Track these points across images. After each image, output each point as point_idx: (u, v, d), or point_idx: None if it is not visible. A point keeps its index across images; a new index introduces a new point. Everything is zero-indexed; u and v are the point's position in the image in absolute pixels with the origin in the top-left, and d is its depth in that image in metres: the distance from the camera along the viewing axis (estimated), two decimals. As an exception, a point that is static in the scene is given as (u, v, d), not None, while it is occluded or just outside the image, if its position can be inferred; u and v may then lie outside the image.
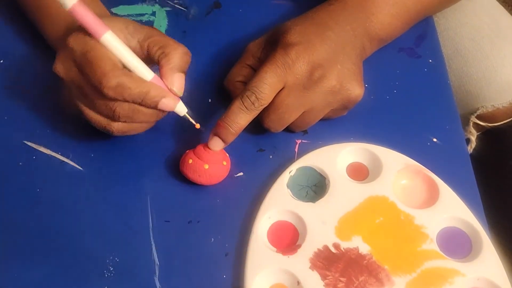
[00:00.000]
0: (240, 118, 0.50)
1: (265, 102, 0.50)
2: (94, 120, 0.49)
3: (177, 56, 0.48)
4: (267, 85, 0.50)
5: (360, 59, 0.55)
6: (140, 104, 0.47)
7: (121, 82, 0.45)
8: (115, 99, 0.46)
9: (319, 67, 0.51)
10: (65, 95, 0.50)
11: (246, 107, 0.50)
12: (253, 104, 0.50)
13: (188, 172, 0.51)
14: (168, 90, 0.48)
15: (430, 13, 0.64)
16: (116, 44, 0.47)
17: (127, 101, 0.46)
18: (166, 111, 0.49)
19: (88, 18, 0.45)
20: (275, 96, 0.51)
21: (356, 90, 0.53)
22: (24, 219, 0.51)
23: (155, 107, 0.47)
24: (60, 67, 0.48)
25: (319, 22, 0.55)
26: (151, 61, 0.49)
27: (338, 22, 0.55)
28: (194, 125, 0.51)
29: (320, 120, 0.55)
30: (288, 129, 0.55)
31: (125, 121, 0.48)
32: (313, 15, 0.55)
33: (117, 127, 0.49)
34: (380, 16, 0.56)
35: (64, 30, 0.53)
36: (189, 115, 0.50)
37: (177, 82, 0.48)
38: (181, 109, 0.50)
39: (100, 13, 0.53)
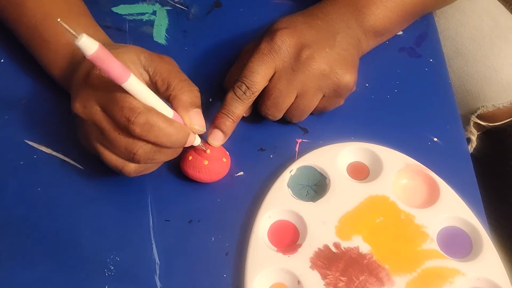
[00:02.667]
0: (235, 107, 0.52)
1: (256, 89, 0.51)
2: (110, 161, 0.47)
3: (187, 95, 0.47)
4: (255, 73, 0.51)
5: (353, 48, 0.55)
6: (164, 144, 0.46)
7: (150, 120, 0.44)
8: (139, 138, 0.45)
9: (306, 47, 0.52)
10: (82, 133, 0.49)
11: (238, 97, 0.52)
12: (244, 93, 0.51)
13: (188, 169, 0.51)
14: (188, 128, 0.48)
15: (428, 8, 0.64)
16: (138, 88, 0.44)
17: (151, 142, 0.45)
18: (181, 150, 0.50)
19: (111, 64, 0.42)
20: (269, 83, 0.52)
21: (346, 76, 0.52)
22: (25, 218, 0.51)
23: (179, 146, 0.48)
24: (80, 107, 0.47)
25: (308, 14, 0.56)
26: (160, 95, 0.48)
27: (328, 14, 0.55)
28: (205, 151, 0.51)
29: (320, 116, 0.55)
30: (287, 121, 0.55)
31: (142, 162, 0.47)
32: (304, 11, 0.56)
33: (134, 168, 0.47)
34: (372, 8, 0.56)
35: (67, 65, 0.53)
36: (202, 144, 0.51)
37: (196, 119, 0.48)
38: (197, 141, 0.50)
39: (103, 40, 0.54)
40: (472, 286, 0.47)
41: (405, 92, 0.59)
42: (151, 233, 0.50)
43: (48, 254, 0.49)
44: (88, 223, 0.51)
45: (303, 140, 0.56)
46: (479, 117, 0.72)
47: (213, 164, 0.51)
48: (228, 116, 0.52)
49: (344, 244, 0.49)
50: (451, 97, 0.59)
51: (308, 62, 0.51)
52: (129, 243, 0.50)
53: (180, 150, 0.49)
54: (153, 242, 0.49)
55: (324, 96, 0.53)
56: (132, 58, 0.47)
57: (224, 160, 0.52)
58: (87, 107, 0.46)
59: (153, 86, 0.48)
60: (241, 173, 0.54)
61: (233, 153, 0.53)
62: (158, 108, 0.46)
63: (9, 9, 0.57)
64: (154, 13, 0.64)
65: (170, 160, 0.53)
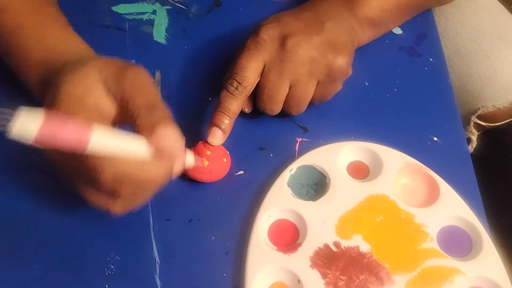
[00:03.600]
0: (230, 104, 0.52)
1: (247, 83, 0.52)
2: (95, 204, 0.44)
3: (149, 118, 0.41)
4: (244, 68, 0.52)
5: (345, 34, 0.55)
6: (147, 188, 0.43)
7: (118, 174, 0.40)
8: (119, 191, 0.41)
9: (291, 36, 0.52)
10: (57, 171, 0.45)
11: (231, 93, 0.52)
12: (236, 88, 0.52)
13: (188, 170, 0.51)
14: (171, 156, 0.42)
15: (426, 2, 0.64)
16: (102, 146, 0.38)
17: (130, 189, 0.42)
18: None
19: (62, 137, 0.36)
20: (260, 77, 0.53)
21: (338, 58, 0.52)
22: (25, 217, 0.51)
23: (167, 181, 0.43)
24: (49, 153, 0.43)
25: (297, 8, 0.56)
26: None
27: (319, 6, 0.56)
28: (202, 162, 0.51)
29: (320, 115, 0.54)
30: (288, 116, 0.55)
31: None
32: (295, 7, 0.57)
33: (119, 207, 0.44)
34: None
35: (41, 80, 0.48)
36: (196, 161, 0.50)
37: (166, 137, 0.41)
38: (189, 161, 0.48)
39: (76, 49, 0.50)
40: (472, 285, 0.47)
41: (405, 92, 0.59)
42: (151, 232, 0.50)
43: (48, 253, 0.49)
44: (88, 222, 0.51)
45: (303, 139, 0.56)
46: (479, 117, 0.72)
47: (214, 164, 0.51)
48: (224, 113, 0.52)
49: (344, 243, 0.49)
50: (451, 96, 0.59)
51: (295, 50, 0.51)
52: (130, 242, 0.49)
53: (170, 174, 0.43)
54: (153, 241, 0.49)
55: (319, 82, 0.53)
56: (95, 82, 0.42)
57: (225, 160, 0.52)
58: (57, 160, 0.43)
59: (117, 107, 0.42)
60: (241, 172, 0.54)
61: (233, 152, 0.53)
62: (134, 152, 0.40)
63: None
64: (154, 12, 0.64)
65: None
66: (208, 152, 0.51)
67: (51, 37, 0.51)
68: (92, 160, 0.39)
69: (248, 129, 0.56)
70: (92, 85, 0.42)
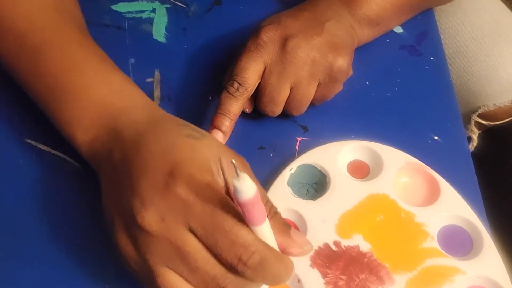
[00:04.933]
0: (230, 105, 0.52)
1: (248, 85, 0.51)
2: (165, 286, 0.37)
3: (278, 217, 0.40)
4: (245, 69, 0.51)
5: (345, 33, 0.55)
6: (268, 284, 0.38)
7: (264, 259, 0.36)
8: (244, 277, 0.36)
9: (291, 37, 0.52)
10: (132, 248, 0.38)
11: (232, 94, 0.52)
12: (237, 90, 0.51)
13: None
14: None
15: (428, 2, 0.64)
16: (265, 230, 0.37)
17: (258, 282, 0.37)
18: None
19: (257, 209, 0.35)
20: (261, 79, 0.52)
21: (338, 59, 0.52)
22: (24, 217, 0.50)
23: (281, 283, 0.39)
24: (156, 220, 0.36)
25: (296, 9, 0.56)
26: None
27: (317, 6, 0.55)
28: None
29: (320, 114, 0.54)
30: (288, 116, 0.55)
31: None
32: (293, 7, 0.57)
33: None
34: None
35: (97, 129, 0.43)
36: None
37: (302, 239, 0.41)
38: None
39: (142, 99, 0.47)
40: (473, 284, 0.47)
41: (406, 90, 0.59)
42: (151, 231, 0.50)
43: (47, 254, 0.49)
44: (88, 221, 0.50)
45: (303, 138, 0.56)
46: (480, 116, 0.72)
47: None
48: (224, 115, 0.52)
49: (344, 243, 0.48)
50: (452, 95, 0.59)
51: (295, 51, 0.51)
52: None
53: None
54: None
55: (320, 83, 0.53)
56: (214, 158, 0.39)
57: None
58: (168, 223, 0.36)
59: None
60: (241, 171, 0.53)
61: (233, 151, 0.53)
62: (270, 241, 0.38)
63: (22, 57, 0.48)
64: (153, 11, 0.64)
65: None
66: None
67: (115, 85, 0.46)
68: (244, 234, 0.35)
69: (248, 128, 0.56)
70: (212, 162, 0.38)
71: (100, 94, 0.45)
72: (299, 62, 0.52)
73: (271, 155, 0.55)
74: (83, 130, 0.45)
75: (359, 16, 0.56)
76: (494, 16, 0.73)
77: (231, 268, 0.36)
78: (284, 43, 0.52)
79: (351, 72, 0.55)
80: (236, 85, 0.51)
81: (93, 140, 0.44)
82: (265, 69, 0.52)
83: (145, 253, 0.37)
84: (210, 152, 0.39)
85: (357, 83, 0.59)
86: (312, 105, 0.55)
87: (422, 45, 0.63)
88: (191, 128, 0.42)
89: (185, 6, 0.65)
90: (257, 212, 0.35)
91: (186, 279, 0.37)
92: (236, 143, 0.54)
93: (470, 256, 0.48)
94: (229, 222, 0.35)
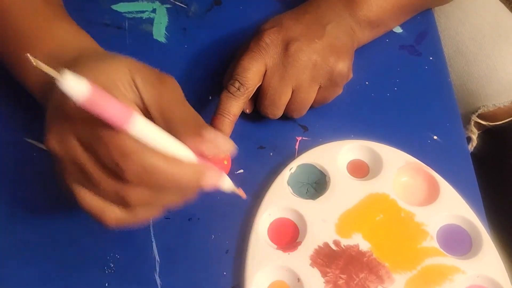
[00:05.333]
0: (230, 106, 0.51)
1: (249, 85, 0.51)
2: (88, 206, 0.39)
3: (189, 127, 0.38)
4: (247, 69, 0.51)
5: (345, 36, 0.55)
6: (168, 188, 0.38)
7: (148, 164, 0.35)
8: (134, 183, 0.36)
9: (294, 41, 0.52)
10: (58, 175, 0.40)
11: (232, 94, 0.51)
12: (238, 89, 0.51)
13: None
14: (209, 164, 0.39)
15: (427, 3, 0.64)
16: (144, 131, 0.36)
17: (152, 187, 0.37)
18: (196, 193, 0.41)
19: (108, 109, 0.34)
20: (262, 82, 0.52)
21: (339, 63, 0.52)
22: (24, 216, 0.51)
23: (192, 189, 0.39)
24: (55, 142, 0.38)
25: (297, 10, 0.56)
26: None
27: (318, 7, 0.55)
28: (242, 196, 0.45)
29: (320, 114, 0.54)
30: (288, 118, 0.55)
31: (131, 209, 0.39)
32: (294, 8, 0.57)
33: (114, 215, 0.39)
34: None
35: (46, 80, 0.44)
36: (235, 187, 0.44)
37: (217, 136, 0.38)
38: (228, 185, 0.42)
39: (90, 45, 0.48)
40: (472, 283, 0.47)
41: (405, 90, 0.59)
42: (151, 230, 0.50)
43: (48, 252, 0.49)
44: (88, 220, 0.50)
45: (303, 138, 0.56)
46: (479, 116, 0.72)
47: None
48: (224, 116, 0.51)
49: (344, 242, 0.49)
50: (451, 95, 0.59)
51: (297, 55, 0.51)
52: (129, 240, 0.49)
53: (193, 194, 0.40)
54: (153, 239, 0.49)
55: (320, 87, 0.53)
56: (122, 78, 0.38)
57: (225, 162, 0.52)
58: (64, 142, 0.37)
59: (146, 113, 0.38)
60: (241, 171, 0.54)
61: (233, 151, 0.53)
62: (167, 147, 0.37)
63: None
64: (153, 11, 0.64)
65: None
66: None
67: (61, 32, 0.48)
68: (120, 140, 0.35)
69: (248, 128, 0.56)
70: (119, 81, 0.38)
71: (47, 49, 0.47)
72: (300, 65, 0.52)
73: (271, 154, 0.55)
74: (36, 75, 0.46)
75: (359, 18, 0.56)
76: (494, 16, 0.74)
77: (117, 176, 0.36)
78: (286, 46, 0.52)
79: (351, 76, 0.55)
80: (237, 84, 0.51)
81: (44, 83, 0.45)
82: (266, 71, 0.52)
83: (62, 176, 0.39)
84: (117, 73, 0.38)
85: (357, 83, 0.59)
86: (311, 107, 0.55)
87: (421, 45, 0.63)
88: (110, 55, 0.41)
89: (185, 6, 0.65)
90: (110, 114, 0.34)
91: (94, 193, 0.38)
92: (236, 143, 0.53)
93: (470, 255, 0.48)
94: (107, 132, 0.35)
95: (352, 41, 0.56)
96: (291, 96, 0.53)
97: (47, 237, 0.49)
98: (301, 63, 0.52)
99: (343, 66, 0.53)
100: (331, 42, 0.53)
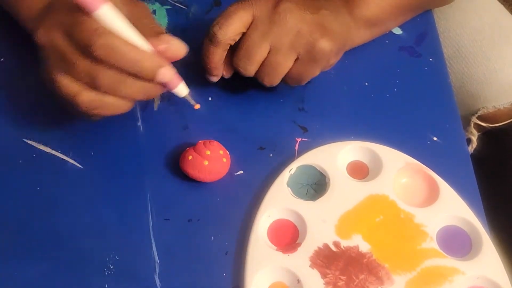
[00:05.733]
0: (209, 52, 0.52)
1: (228, 31, 0.50)
2: (63, 87, 0.44)
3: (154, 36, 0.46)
4: (231, 14, 0.50)
5: (340, 26, 0.53)
6: (131, 72, 0.44)
7: (110, 42, 0.42)
8: (102, 61, 0.43)
9: (286, 1, 0.50)
10: (43, 66, 0.46)
11: (210, 40, 0.51)
12: (215, 34, 0.50)
13: (188, 169, 0.51)
14: (167, 61, 0.45)
15: (425, 3, 0.64)
16: (111, 19, 0.42)
17: (115, 67, 0.43)
18: (156, 91, 0.47)
19: None
20: (243, 34, 0.51)
21: (323, 40, 0.50)
22: (24, 217, 0.51)
23: (151, 77, 0.45)
24: (43, 34, 0.44)
25: None
26: None
27: (319, 1, 0.54)
28: (194, 105, 0.51)
29: (320, 115, 0.54)
30: (261, 83, 0.53)
31: (101, 92, 0.44)
32: None
33: (86, 98, 0.44)
34: None
35: (41, 9, 0.49)
36: (189, 95, 0.50)
37: (174, 42, 0.46)
38: (183, 89, 0.49)
39: None
40: (472, 285, 0.47)
41: (405, 91, 0.59)
42: (151, 232, 0.50)
43: (48, 254, 0.49)
44: (88, 222, 0.51)
45: (303, 139, 0.56)
46: (479, 118, 0.72)
47: (213, 164, 0.51)
48: (205, 64, 0.53)
49: (344, 243, 0.49)
50: (451, 96, 0.59)
51: (285, 15, 0.50)
52: (129, 242, 0.49)
53: (154, 89, 0.47)
54: (152, 241, 0.49)
55: (298, 58, 0.51)
56: None
57: (224, 160, 0.52)
58: (50, 34, 0.44)
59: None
60: (241, 172, 0.54)
61: (232, 152, 0.53)
62: (134, 40, 0.43)
63: None
64: (153, 12, 0.64)
65: (170, 159, 0.54)
66: (208, 152, 0.51)
67: None
68: (92, 23, 0.42)
69: (248, 129, 0.56)
70: None
71: None
72: (285, 26, 0.50)
73: (271, 155, 0.55)
74: (28, 8, 0.52)
75: (356, 16, 0.56)
76: (493, 18, 0.74)
77: (88, 55, 0.42)
78: (277, 3, 0.50)
79: (333, 61, 0.53)
80: (216, 28, 0.50)
81: (37, 16, 0.49)
82: (251, 23, 0.51)
83: (47, 68, 0.45)
84: None
85: (357, 84, 0.59)
86: (285, 83, 0.53)
87: (421, 46, 0.63)
88: None
89: (185, 8, 0.65)
90: None
91: (70, 77, 0.44)
92: (236, 144, 0.54)
93: (469, 257, 0.48)
94: (83, 18, 0.42)
95: (345, 34, 0.54)
96: (267, 56, 0.51)
97: (47, 238, 0.49)
98: (287, 24, 0.50)
99: (326, 45, 0.50)
100: (322, 22, 0.51)
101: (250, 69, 0.52)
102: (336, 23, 0.53)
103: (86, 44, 0.42)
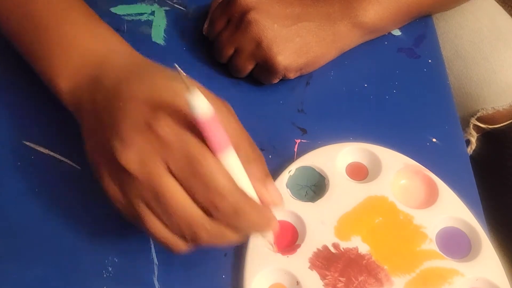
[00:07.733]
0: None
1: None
2: (158, 234, 0.38)
3: (257, 164, 0.40)
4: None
5: (321, 40, 0.55)
6: (242, 231, 0.39)
7: (237, 206, 0.36)
8: (215, 219, 0.37)
9: (254, 11, 0.53)
10: (117, 189, 0.39)
11: None
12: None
13: None
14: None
15: (424, 10, 0.64)
16: (232, 163, 0.36)
17: (234, 229, 0.38)
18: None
19: (216, 131, 0.34)
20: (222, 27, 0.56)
21: (278, 56, 0.53)
22: (22, 219, 0.50)
23: (259, 234, 0.41)
24: (136, 162, 0.36)
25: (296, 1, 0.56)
26: None
27: (317, 2, 0.56)
28: (273, 249, 0.46)
29: (319, 116, 0.54)
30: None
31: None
32: None
33: (188, 248, 0.40)
34: (364, 3, 0.57)
35: (81, 78, 0.43)
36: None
37: (275, 192, 0.40)
38: (269, 237, 0.44)
39: (129, 50, 0.47)
40: (471, 286, 0.47)
41: (404, 93, 0.59)
42: (150, 233, 0.50)
43: (46, 255, 0.49)
44: (86, 224, 0.50)
45: (302, 140, 0.56)
46: (478, 119, 0.72)
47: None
48: None
49: (343, 245, 0.48)
50: (450, 98, 0.59)
51: (249, 26, 0.53)
52: (127, 244, 0.49)
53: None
54: (151, 243, 0.49)
55: (257, 64, 0.55)
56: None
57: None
58: (148, 165, 0.36)
59: None
60: (240, 173, 0.53)
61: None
62: (246, 188, 0.38)
63: (7, 9, 0.48)
64: (152, 13, 0.64)
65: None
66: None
67: (104, 37, 0.46)
68: (219, 179, 0.35)
69: (247, 130, 0.56)
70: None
71: (83, 43, 0.45)
72: (248, 36, 0.53)
73: (270, 157, 0.55)
74: (66, 78, 0.44)
75: (353, 21, 0.56)
76: (493, 19, 0.74)
77: (206, 213, 0.36)
78: (245, 12, 0.53)
79: (289, 75, 0.55)
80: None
81: (76, 88, 0.44)
82: (229, 20, 0.55)
83: (129, 194, 0.37)
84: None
85: (356, 85, 0.59)
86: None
87: (420, 48, 0.63)
88: (173, 73, 0.41)
89: (184, 9, 0.65)
90: (217, 134, 0.34)
91: (165, 223, 0.37)
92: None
93: (469, 258, 0.48)
94: (206, 167, 0.35)
95: (327, 46, 0.56)
96: (232, 55, 0.55)
97: (45, 240, 0.49)
98: (250, 34, 0.53)
99: (281, 61, 0.53)
100: (292, 36, 0.53)
101: (220, 60, 0.57)
102: (315, 37, 0.55)
103: (208, 206, 0.36)
